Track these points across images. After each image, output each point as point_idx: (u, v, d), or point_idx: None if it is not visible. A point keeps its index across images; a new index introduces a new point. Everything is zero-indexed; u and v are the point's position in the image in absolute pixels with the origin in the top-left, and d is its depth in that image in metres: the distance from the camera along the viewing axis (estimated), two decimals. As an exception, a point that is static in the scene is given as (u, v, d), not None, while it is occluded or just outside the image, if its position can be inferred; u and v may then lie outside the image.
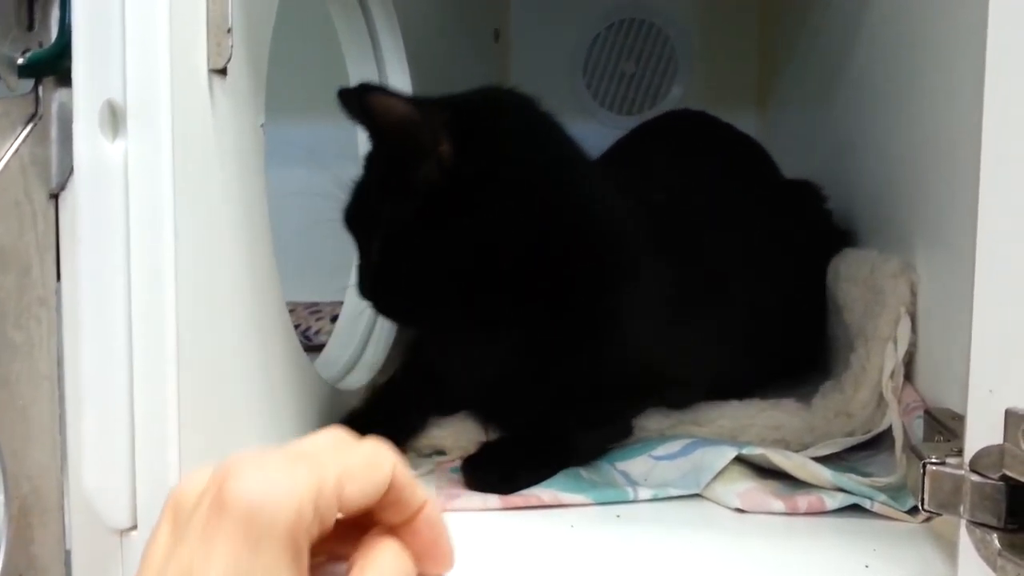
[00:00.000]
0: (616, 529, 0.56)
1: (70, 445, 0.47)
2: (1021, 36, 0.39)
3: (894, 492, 0.56)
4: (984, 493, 0.40)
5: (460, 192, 0.62)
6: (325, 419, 0.68)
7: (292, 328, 0.64)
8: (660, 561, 0.51)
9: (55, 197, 0.46)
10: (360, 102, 0.61)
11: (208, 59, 0.49)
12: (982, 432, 0.40)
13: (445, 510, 0.58)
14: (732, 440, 0.68)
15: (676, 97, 1.39)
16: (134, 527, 0.47)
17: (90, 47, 0.45)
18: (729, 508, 0.58)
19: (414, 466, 0.67)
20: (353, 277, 0.68)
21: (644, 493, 0.60)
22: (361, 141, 0.78)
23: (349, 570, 0.33)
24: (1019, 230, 0.39)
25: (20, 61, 0.44)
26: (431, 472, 0.66)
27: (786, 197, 0.88)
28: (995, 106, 0.40)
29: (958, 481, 0.41)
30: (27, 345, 0.45)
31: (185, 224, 0.47)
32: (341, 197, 0.67)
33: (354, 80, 0.85)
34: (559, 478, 0.62)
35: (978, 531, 0.40)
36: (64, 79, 0.45)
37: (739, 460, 0.61)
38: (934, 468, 0.42)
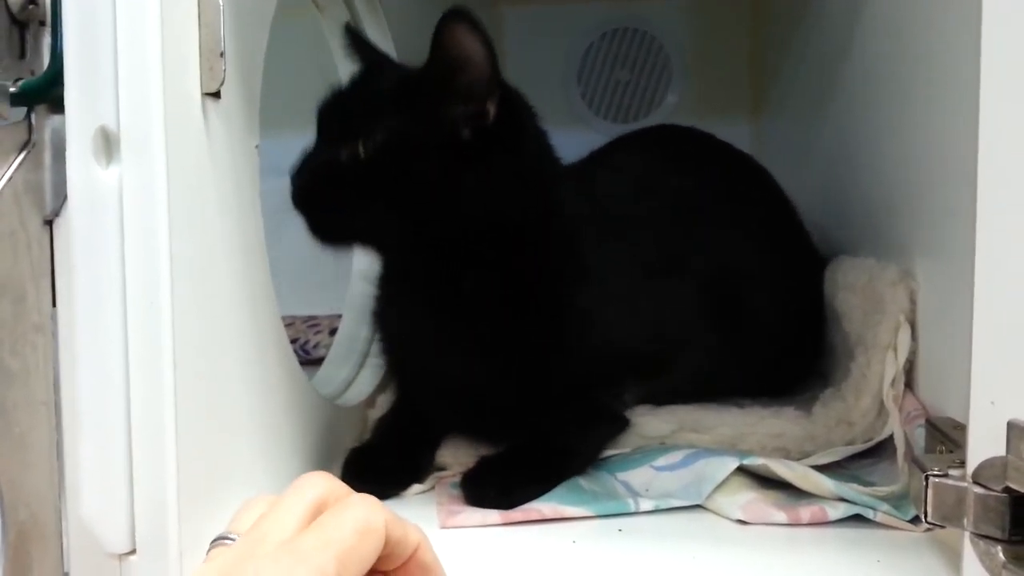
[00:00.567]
0: (619, 543, 0.56)
1: (68, 470, 0.47)
2: (1016, 45, 0.39)
3: (897, 501, 0.56)
4: (987, 505, 0.40)
5: (475, 151, 0.63)
6: (323, 437, 0.68)
7: (289, 347, 0.64)
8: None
9: (49, 223, 0.46)
10: (448, 20, 0.60)
11: (201, 83, 0.49)
12: (985, 444, 0.40)
13: (446, 526, 0.58)
14: (732, 448, 0.68)
15: (671, 105, 1.39)
16: (133, 551, 0.47)
17: (82, 74, 0.45)
18: (731, 520, 0.58)
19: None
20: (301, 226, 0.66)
21: (645, 504, 0.60)
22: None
23: None
24: (1018, 244, 0.39)
25: (12, 89, 0.44)
26: (432, 488, 0.66)
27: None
28: (991, 114, 0.40)
29: (961, 493, 0.41)
30: (23, 372, 0.45)
31: (180, 248, 0.47)
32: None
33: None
34: (559, 490, 0.62)
35: (982, 543, 0.40)
36: (57, 106, 0.46)
37: (741, 470, 0.61)
38: (937, 480, 0.42)
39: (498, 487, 0.61)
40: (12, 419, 0.45)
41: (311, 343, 1.08)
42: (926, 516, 0.43)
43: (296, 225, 0.65)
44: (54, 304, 0.46)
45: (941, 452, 0.49)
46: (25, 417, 0.45)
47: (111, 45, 0.45)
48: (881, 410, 0.65)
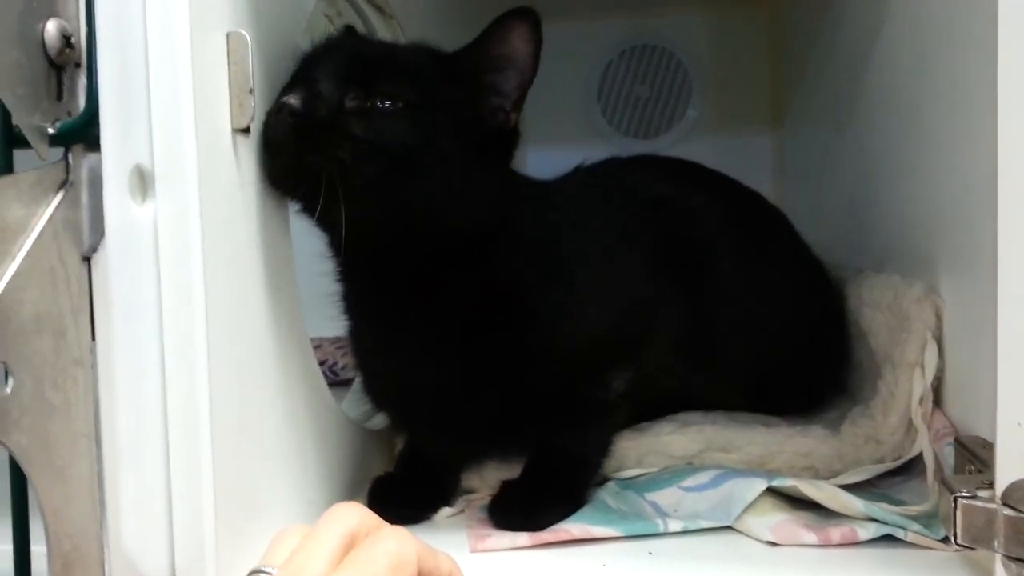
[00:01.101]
0: (649, 566, 0.56)
1: (108, 502, 0.48)
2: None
3: (927, 520, 0.56)
4: (1018, 527, 0.40)
5: (482, 148, 0.62)
6: (352, 461, 0.69)
7: (319, 373, 0.65)
8: (694, 599, 0.51)
9: (87, 260, 0.47)
10: (517, 16, 0.60)
11: (232, 119, 0.50)
12: (1013, 465, 0.40)
13: (476, 551, 0.59)
14: (761, 468, 0.67)
15: (691, 120, 1.39)
16: (173, 580, 0.48)
17: (117, 114, 0.46)
18: (761, 541, 0.58)
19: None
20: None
21: (674, 525, 0.60)
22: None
23: None
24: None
25: (51, 131, 0.46)
26: (462, 511, 0.67)
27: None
28: (1009, 131, 0.40)
29: (991, 515, 0.41)
30: (64, 405, 0.46)
31: (214, 281, 0.48)
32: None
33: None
34: (587, 510, 0.63)
35: (1014, 566, 0.40)
36: (93, 145, 0.47)
37: (770, 491, 0.61)
38: (966, 502, 0.42)
39: (523, 511, 0.62)
40: (54, 452, 0.46)
41: (339, 364, 1.09)
42: (956, 538, 0.43)
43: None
44: (93, 338, 0.47)
45: (970, 472, 0.49)
46: (67, 450, 0.46)
47: (144, 86, 0.46)
48: (910, 428, 0.64)
